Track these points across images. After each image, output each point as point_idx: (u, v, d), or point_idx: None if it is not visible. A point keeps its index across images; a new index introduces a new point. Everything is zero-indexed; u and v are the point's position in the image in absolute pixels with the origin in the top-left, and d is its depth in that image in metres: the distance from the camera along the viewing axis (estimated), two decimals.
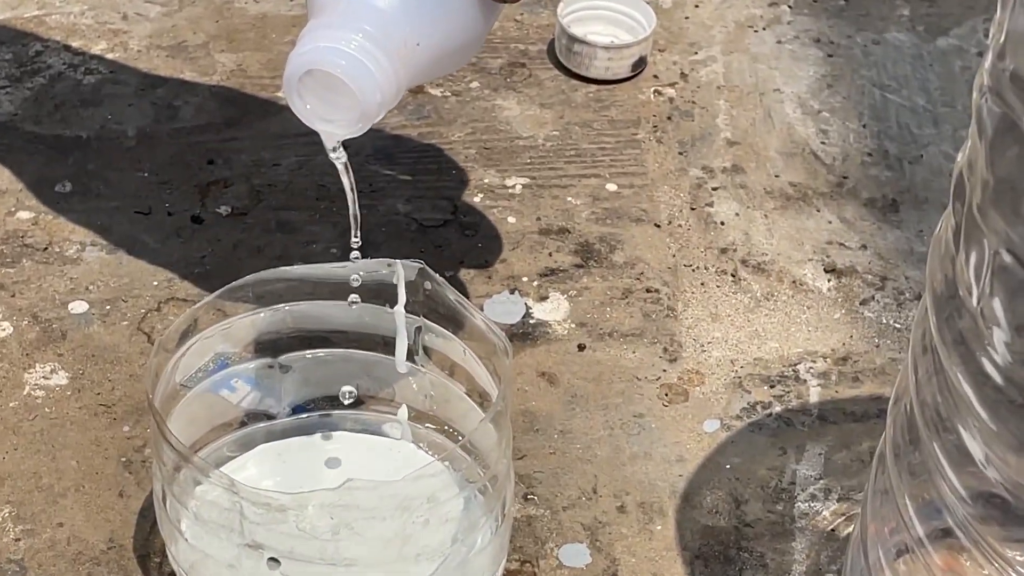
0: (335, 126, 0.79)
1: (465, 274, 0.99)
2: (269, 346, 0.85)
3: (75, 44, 1.15)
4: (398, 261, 0.83)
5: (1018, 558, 0.67)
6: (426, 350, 0.85)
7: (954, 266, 0.63)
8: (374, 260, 0.85)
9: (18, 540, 0.84)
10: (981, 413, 0.62)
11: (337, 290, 0.85)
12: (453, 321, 0.84)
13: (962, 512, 0.67)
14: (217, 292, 0.82)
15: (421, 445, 0.87)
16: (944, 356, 0.64)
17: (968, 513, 0.67)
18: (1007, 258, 0.59)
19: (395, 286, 0.83)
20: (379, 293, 0.84)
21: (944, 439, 0.66)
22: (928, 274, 0.66)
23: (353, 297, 0.84)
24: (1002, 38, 0.57)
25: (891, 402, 0.73)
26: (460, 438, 0.85)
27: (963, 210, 0.62)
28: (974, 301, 0.61)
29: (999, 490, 0.64)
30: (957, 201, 0.63)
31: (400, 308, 0.84)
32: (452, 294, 0.82)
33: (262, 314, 0.84)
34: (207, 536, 0.77)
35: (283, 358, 0.86)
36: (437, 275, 0.83)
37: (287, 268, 0.85)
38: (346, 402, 0.87)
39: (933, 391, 0.66)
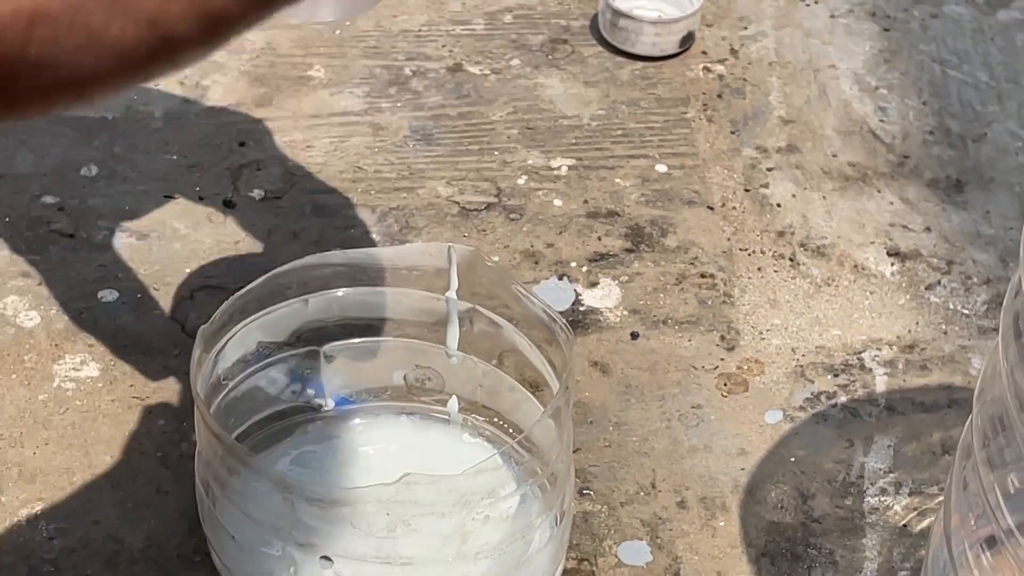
0: None
1: (511, 259, 0.99)
2: (313, 335, 0.86)
3: None
4: (450, 245, 0.83)
5: None
6: (479, 339, 0.85)
7: None
8: (428, 244, 0.85)
9: (51, 539, 0.84)
10: None
11: (382, 275, 0.85)
12: (507, 307, 0.84)
13: None
14: (260, 279, 0.82)
15: (473, 437, 0.87)
16: None
17: None
18: None
19: (446, 271, 0.84)
20: (425, 278, 0.85)
21: None
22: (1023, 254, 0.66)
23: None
24: None
25: (977, 391, 0.73)
26: (511, 429, 0.86)
27: None
28: None
29: None
30: None
31: (452, 294, 0.84)
32: (508, 279, 0.83)
33: (306, 302, 0.85)
34: (256, 535, 0.77)
35: (328, 347, 0.86)
36: (492, 259, 0.83)
37: (332, 253, 0.86)
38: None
39: None
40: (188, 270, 0.98)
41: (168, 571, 0.83)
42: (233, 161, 1.05)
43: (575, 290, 0.98)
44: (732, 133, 1.09)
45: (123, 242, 0.99)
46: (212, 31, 0.51)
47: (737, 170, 1.06)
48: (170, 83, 1.10)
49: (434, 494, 0.74)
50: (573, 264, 0.99)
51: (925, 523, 0.87)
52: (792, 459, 0.90)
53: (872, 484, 0.89)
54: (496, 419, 0.87)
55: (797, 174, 1.06)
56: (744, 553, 0.85)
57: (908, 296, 0.99)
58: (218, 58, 1.12)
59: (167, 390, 0.91)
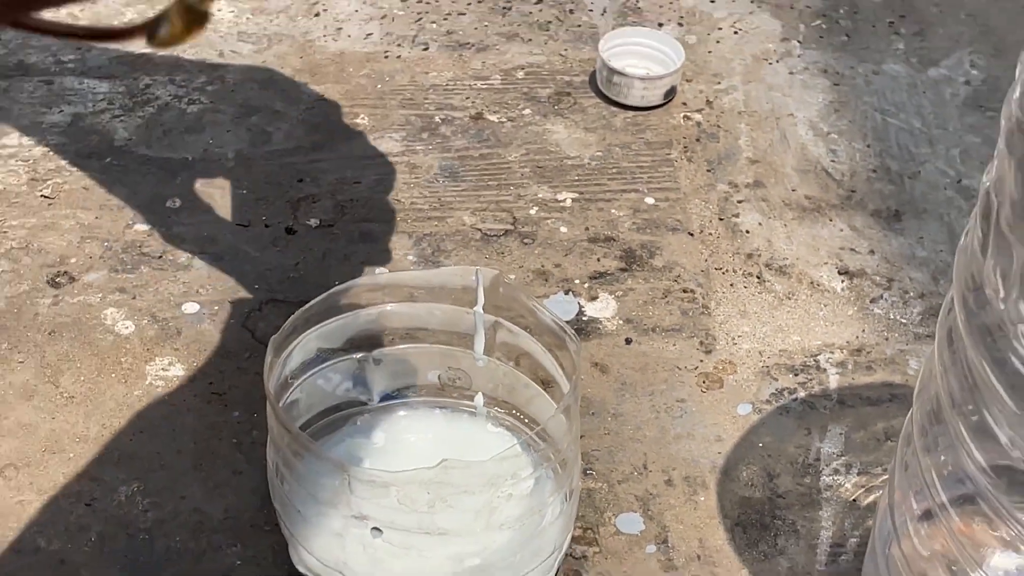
0: None
1: (525, 277, 0.99)
2: (364, 342, 0.86)
3: (179, 78, 1.15)
4: (478, 268, 0.83)
5: None
6: (500, 345, 0.85)
7: (981, 272, 0.63)
8: (458, 267, 0.84)
9: (146, 512, 0.84)
10: (1007, 400, 0.62)
11: (419, 292, 0.85)
12: (523, 318, 0.84)
13: (984, 482, 0.67)
14: (320, 296, 0.82)
15: (496, 427, 0.87)
16: (970, 348, 0.64)
17: (990, 483, 0.67)
18: None
19: (473, 289, 0.83)
20: (455, 295, 0.85)
21: (968, 420, 0.66)
22: (955, 279, 0.66)
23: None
24: None
25: (916, 389, 0.73)
26: (527, 420, 0.85)
27: (990, 225, 0.61)
28: (1000, 303, 0.61)
29: (1021, 466, 0.64)
30: (983, 217, 0.62)
31: (479, 309, 0.84)
32: (525, 296, 0.82)
33: (358, 315, 0.84)
34: (317, 509, 0.77)
35: (375, 352, 0.86)
36: (509, 278, 0.83)
37: (378, 275, 0.85)
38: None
39: (960, 378, 0.66)
40: (257, 286, 0.98)
41: (243, 538, 0.83)
42: (293, 195, 1.05)
43: (579, 303, 0.98)
44: (708, 171, 1.09)
45: (202, 263, 0.99)
46: None
47: (713, 202, 1.06)
48: (239, 129, 1.10)
49: (467, 476, 0.73)
50: (577, 281, 0.99)
51: (871, 498, 0.87)
52: (760, 444, 0.90)
53: (827, 465, 0.89)
54: (514, 411, 0.87)
55: (763, 205, 1.06)
56: (721, 523, 0.85)
57: (856, 308, 0.99)
58: (280, 108, 1.12)
59: (241, 387, 0.91)
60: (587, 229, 1.03)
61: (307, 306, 0.82)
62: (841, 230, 1.04)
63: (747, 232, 1.04)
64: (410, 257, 1.00)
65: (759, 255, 1.02)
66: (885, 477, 0.88)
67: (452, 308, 0.85)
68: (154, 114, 1.12)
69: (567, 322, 0.95)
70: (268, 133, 1.10)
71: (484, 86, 1.16)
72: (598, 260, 1.01)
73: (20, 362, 0.92)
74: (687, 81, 1.17)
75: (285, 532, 0.80)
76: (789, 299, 0.99)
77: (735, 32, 1.22)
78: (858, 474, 0.88)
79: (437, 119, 1.12)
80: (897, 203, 1.07)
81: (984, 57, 1.19)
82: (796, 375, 0.94)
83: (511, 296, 0.83)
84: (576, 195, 1.06)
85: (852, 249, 1.03)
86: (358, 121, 1.12)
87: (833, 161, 1.10)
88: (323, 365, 0.85)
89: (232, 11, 1.22)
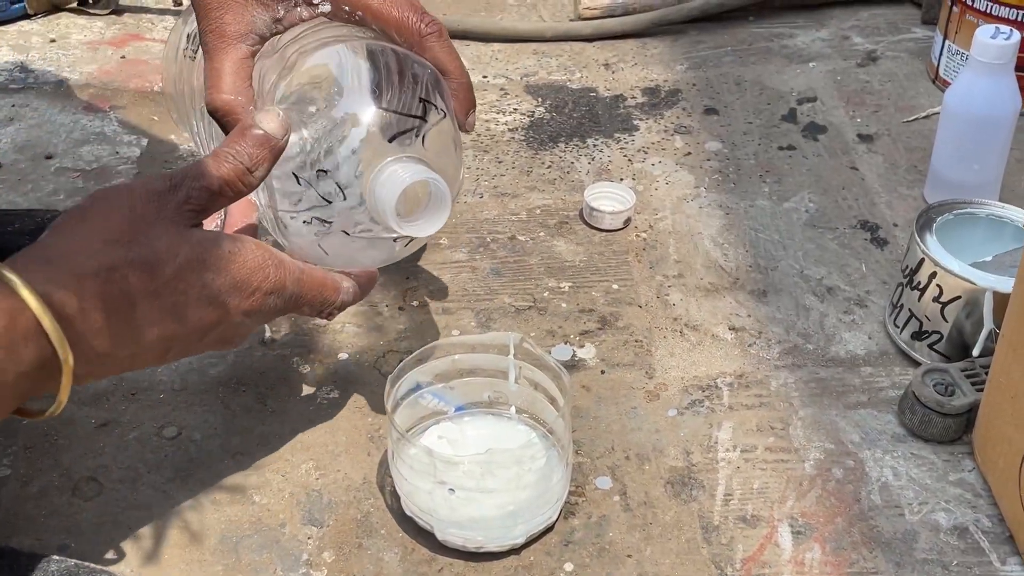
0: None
1: (540, 334, 1.01)
2: (444, 376, 0.87)
3: None
4: (511, 333, 0.86)
5: None
6: (524, 377, 0.87)
7: None
8: (500, 332, 0.86)
9: (317, 479, 0.87)
10: None
11: (477, 347, 0.86)
12: (537, 361, 0.86)
13: None
14: (418, 351, 0.85)
15: (523, 426, 0.88)
16: None
17: None
18: None
19: (508, 346, 0.86)
20: (498, 348, 0.87)
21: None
22: None
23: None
24: None
25: None
26: (541, 421, 0.86)
27: None
28: None
29: None
30: None
31: (511, 357, 0.86)
32: (536, 347, 0.85)
33: (441, 360, 0.86)
34: (415, 476, 0.79)
35: (452, 382, 0.88)
36: (529, 338, 0.85)
37: (453, 337, 0.87)
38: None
39: None
40: (381, 343, 1.00)
41: (374, 494, 0.85)
42: (403, 287, 1.06)
43: (573, 349, 0.99)
44: (650, 268, 1.09)
45: (350, 329, 1.01)
46: None
47: (653, 287, 1.07)
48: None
49: (504, 457, 0.76)
50: (571, 336, 1.01)
51: (752, 469, 0.88)
52: (681, 434, 0.91)
53: (721, 447, 0.90)
54: (533, 416, 0.87)
55: (683, 288, 1.07)
56: (658, 482, 0.87)
57: (739, 351, 1.00)
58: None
59: (373, 404, 0.93)
60: (578, 304, 1.04)
61: (411, 355, 0.84)
62: (731, 303, 1.05)
63: (674, 305, 1.05)
64: (472, 324, 1.02)
65: (681, 318, 1.03)
66: (758, 452, 0.89)
67: (496, 356, 0.87)
68: None
69: (564, 362, 0.97)
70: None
71: (516, 219, 1.16)
72: (584, 323, 1.02)
73: (243, 391, 0.95)
74: (638, 214, 1.17)
75: (398, 490, 0.82)
76: (699, 345, 1.00)
77: (666, 183, 1.22)
78: (741, 451, 0.89)
79: (488, 239, 1.13)
80: (764, 286, 1.07)
81: (816, 195, 1.19)
82: (703, 391, 0.95)
83: (529, 349, 0.85)
84: (571, 284, 1.07)
85: (736, 314, 1.04)
86: (441, 242, 1.12)
87: (725, 260, 1.10)
88: (420, 390, 0.86)
89: None
